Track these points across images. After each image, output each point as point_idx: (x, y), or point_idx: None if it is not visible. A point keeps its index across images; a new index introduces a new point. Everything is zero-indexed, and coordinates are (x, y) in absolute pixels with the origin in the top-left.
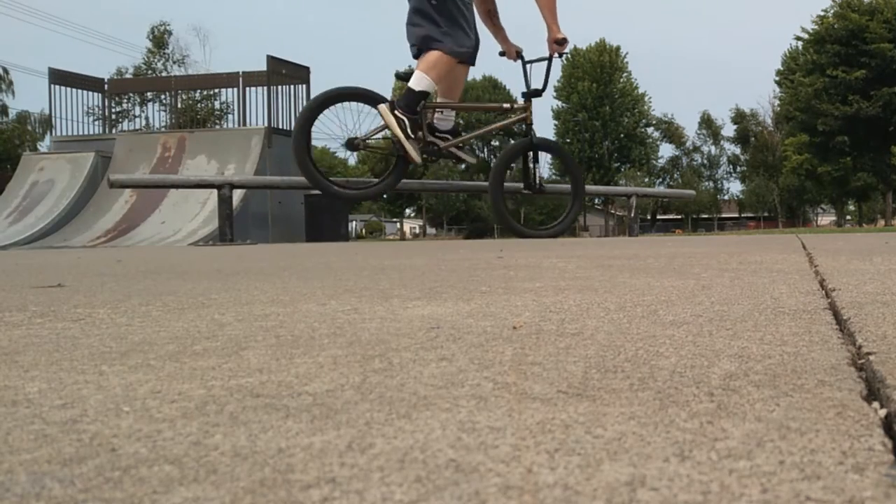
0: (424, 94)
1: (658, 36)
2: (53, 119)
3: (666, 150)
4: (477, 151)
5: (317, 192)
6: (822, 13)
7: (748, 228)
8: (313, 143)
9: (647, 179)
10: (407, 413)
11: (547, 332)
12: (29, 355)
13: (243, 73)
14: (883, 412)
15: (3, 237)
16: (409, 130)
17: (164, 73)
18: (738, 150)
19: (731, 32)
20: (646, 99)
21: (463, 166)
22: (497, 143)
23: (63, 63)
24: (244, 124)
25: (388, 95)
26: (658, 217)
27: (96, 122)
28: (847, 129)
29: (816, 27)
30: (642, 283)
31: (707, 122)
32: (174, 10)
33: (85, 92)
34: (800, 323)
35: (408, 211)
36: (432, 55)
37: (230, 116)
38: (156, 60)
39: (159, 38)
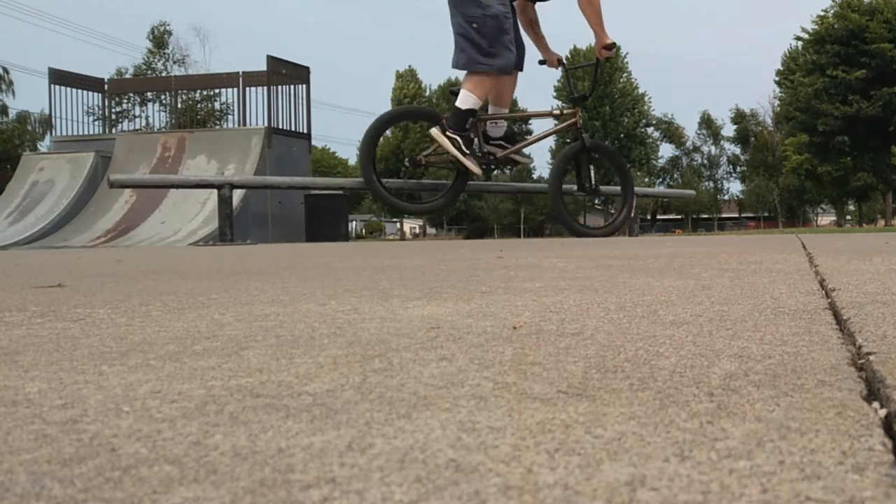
0: (472, 112)
1: (658, 36)
2: (53, 119)
3: (666, 150)
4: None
5: (317, 192)
6: (822, 13)
7: (748, 228)
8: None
9: (646, 179)
10: (407, 413)
11: (547, 332)
12: (29, 355)
13: (243, 73)
14: (883, 412)
15: (3, 237)
16: (463, 147)
17: (164, 73)
18: (738, 150)
19: (731, 32)
20: (646, 99)
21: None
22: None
23: (63, 63)
24: (244, 124)
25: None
26: (658, 217)
27: (96, 122)
28: (847, 129)
29: (816, 27)
30: (642, 283)
31: (707, 122)
32: (174, 10)
33: (85, 92)
34: (800, 323)
35: None
36: (477, 76)
37: (230, 116)
38: (156, 60)
39: (159, 39)
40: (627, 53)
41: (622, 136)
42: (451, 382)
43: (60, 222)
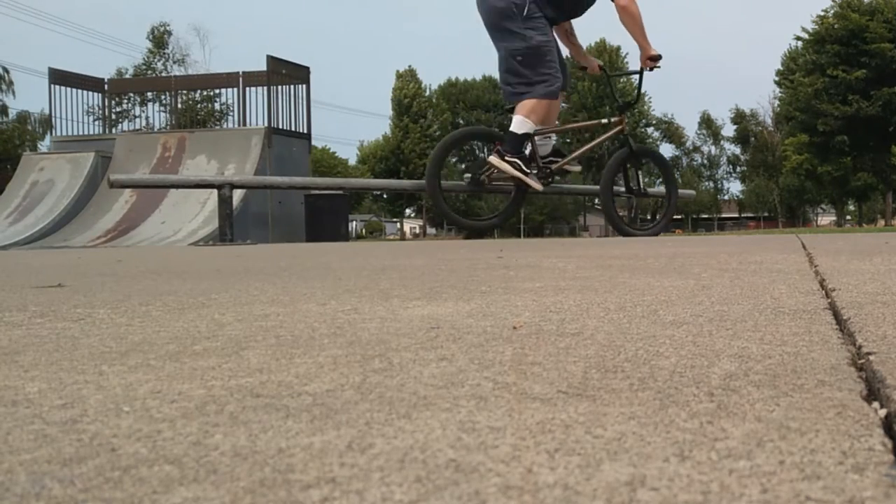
0: (527, 136)
1: (658, 36)
2: (53, 119)
3: (666, 150)
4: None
5: (316, 192)
6: (822, 13)
7: (748, 228)
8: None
9: (646, 180)
10: (407, 413)
11: (547, 332)
12: (29, 355)
13: (243, 73)
14: (883, 412)
15: (3, 237)
16: (524, 168)
17: (164, 73)
18: (738, 150)
19: (731, 32)
20: (646, 99)
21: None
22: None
23: (63, 63)
24: (244, 124)
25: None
26: (658, 217)
27: (96, 122)
28: (847, 129)
29: (816, 27)
30: (642, 283)
31: (707, 122)
32: (174, 10)
33: (85, 92)
34: (800, 323)
35: (408, 211)
36: (529, 102)
37: (230, 116)
38: (156, 60)
39: (159, 39)
40: (627, 54)
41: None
42: (451, 382)
43: (60, 222)
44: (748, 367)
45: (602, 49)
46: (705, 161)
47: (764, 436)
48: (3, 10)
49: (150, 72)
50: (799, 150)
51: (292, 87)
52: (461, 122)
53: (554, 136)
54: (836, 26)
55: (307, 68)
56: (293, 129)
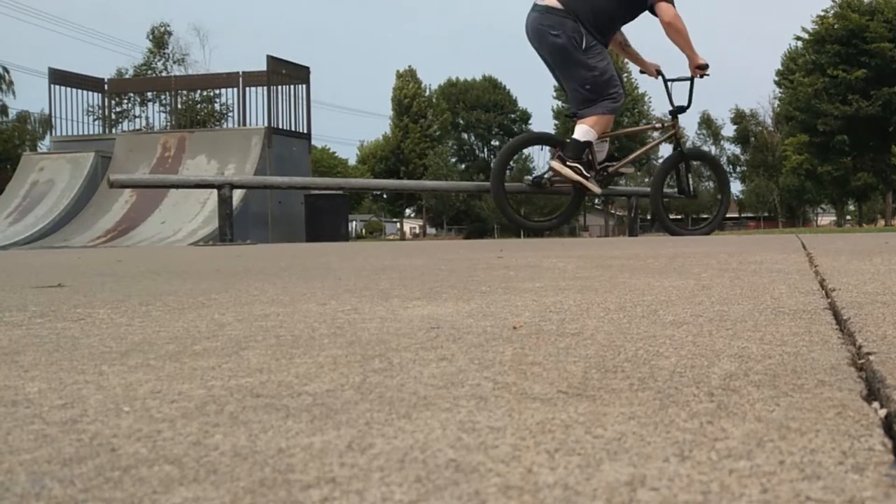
0: (589, 144)
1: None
2: (53, 119)
3: (666, 151)
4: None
5: (317, 192)
6: (822, 13)
7: (748, 228)
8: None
9: (647, 180)
10: (407, 413)
11: (547, 332)
12: (29, 355)
13: (243, 73)
14: (883, 412)
15: (3, 237)
16: (584, 172)
17: (164, 73)
18: (738, 150)
19: (731, 32)
20: (646, 99)
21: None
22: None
23: (63, 63)
24: (244, 124)
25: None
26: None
27: (96, 122)
28: (847, 129)
29: (816, 27)
30: (642, 283)
31: (707, 122)
32: (174, 10)
33: (85, 92)
34: (800, 323)
35: (408, 211)
36: (595, 115)
37: (230, 116)
38: (156, 60)
39: (159, 39)
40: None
41: (622, 135)
42: (451, 382)
43: (60, 222)
44: (748, 367)
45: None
46: None
47: (764, 436)
48: (3, 10)
49: (150, 72)
50: (799, 150)
51: (292, 87)
52: (461, 122)
53: (606, 142)
54: (836, 26)
55: (307, 68)
56: (293, 129)
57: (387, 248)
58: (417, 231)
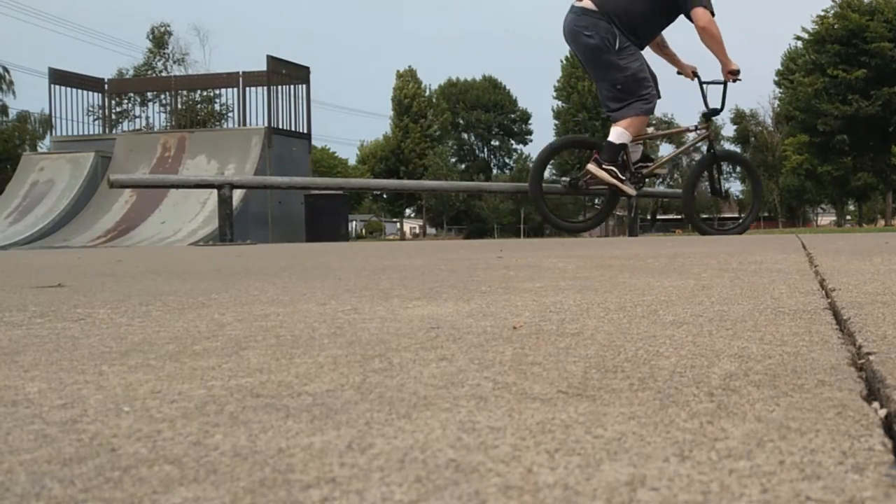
0: (624, 146)
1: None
2: (53, 119)
3: (666, 151)
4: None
5: (317, 192)
6: (822, 13)
7: (748, 228)
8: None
9: (646, 180)
10: (407, 413)
11: (547, 332)
12: (29, 355)
13: (243, 73)
14: (883, 412)
15: (3, 237)
16: (619, 175)
17: (164, 73)
18: (738, 150)
19: (731, 32)
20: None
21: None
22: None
23: (63, 63)
24: (244, 124)
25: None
26: (658, 217)
27: (96, 122)
28: (847, 129)
29: (816, 27)
30: (642, 283)
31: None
32: (174, 10)
33: (85, 92)
34: (800, 323)
35: (408, 211)
36: (629, 117)
37: (230, 116)
38: (156, 60)
39: (159, 39)
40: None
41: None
42: (451, 382)
43: (60, 222)
44: (748, 367)
45: None
46: None
47: (764, 436)
48: (3, 10)
49: (150, 72)
50: (799, 150)
51: (292, 87)
52: (461, 122)
53: (641, 144)
54: (836, 26)
55: (307, 68)
56: (293, 129)
57: (387, 248)
58: (417, 231)
